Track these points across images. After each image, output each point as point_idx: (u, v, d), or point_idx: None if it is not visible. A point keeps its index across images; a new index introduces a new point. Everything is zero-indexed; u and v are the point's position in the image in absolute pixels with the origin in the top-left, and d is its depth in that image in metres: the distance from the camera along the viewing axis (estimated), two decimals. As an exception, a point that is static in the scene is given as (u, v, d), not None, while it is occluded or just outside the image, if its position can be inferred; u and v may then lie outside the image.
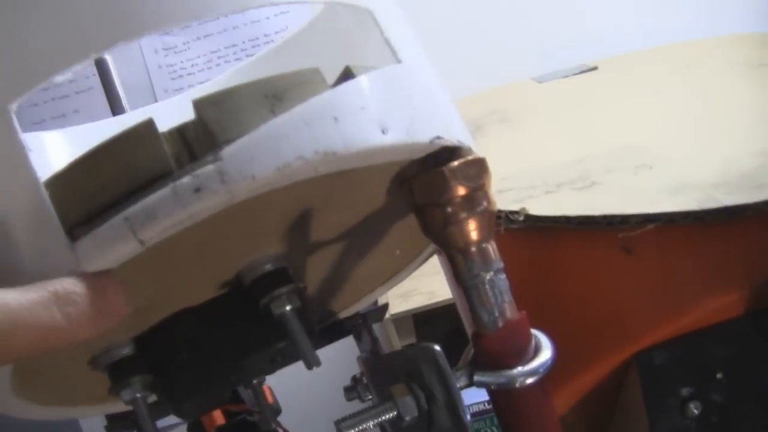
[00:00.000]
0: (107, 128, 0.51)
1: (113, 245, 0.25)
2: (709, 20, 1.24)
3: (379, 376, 0.34)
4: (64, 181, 0.26)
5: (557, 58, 0.95)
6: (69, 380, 0.36)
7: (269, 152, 0.26)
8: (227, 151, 0.25)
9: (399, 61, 0.31)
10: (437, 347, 0.29)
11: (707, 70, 0.67)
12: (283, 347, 0.34)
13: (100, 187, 0.26)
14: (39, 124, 1.04)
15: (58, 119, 1.02)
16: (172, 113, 0.54)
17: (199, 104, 0.27)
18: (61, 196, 0.25)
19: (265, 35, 1.07)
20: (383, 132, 0.28)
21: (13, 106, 0.26)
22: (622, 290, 0.38)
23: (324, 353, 0.38)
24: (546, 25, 1.30)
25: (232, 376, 0.35)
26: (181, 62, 1.03)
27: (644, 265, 0.36)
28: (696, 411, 0.40)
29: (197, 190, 0.25)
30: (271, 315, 0.33)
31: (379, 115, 0.28)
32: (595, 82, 0.75)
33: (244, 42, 1.07)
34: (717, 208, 0.33)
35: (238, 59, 1.05)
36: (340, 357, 0.61)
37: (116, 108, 0.60)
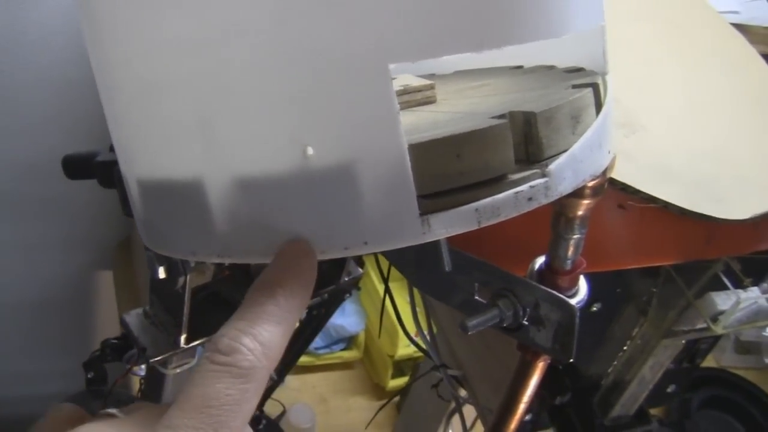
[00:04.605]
0: None
1: (459, 226, 0.29)
2: None
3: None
4: (423, 154, 0.28)
5: None
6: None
7: (571, 174, 0.32)
8: (552, 168, 0.31)
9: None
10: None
11: None
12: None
13: (456, 172, 0.29)
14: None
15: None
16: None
17: (533, 118, 0.31)
18: (418, 166, 0.28)
19: None
20: (608, 152, 0.35)
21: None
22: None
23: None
24: None
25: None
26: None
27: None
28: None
29: (530, 199, 0.30)
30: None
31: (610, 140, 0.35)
32: None
33: None
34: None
35: None
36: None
37: None
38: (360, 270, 0.57)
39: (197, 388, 0.27)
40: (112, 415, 0.31)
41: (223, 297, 0.55)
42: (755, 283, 0.56)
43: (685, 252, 0.50)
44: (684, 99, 0.59)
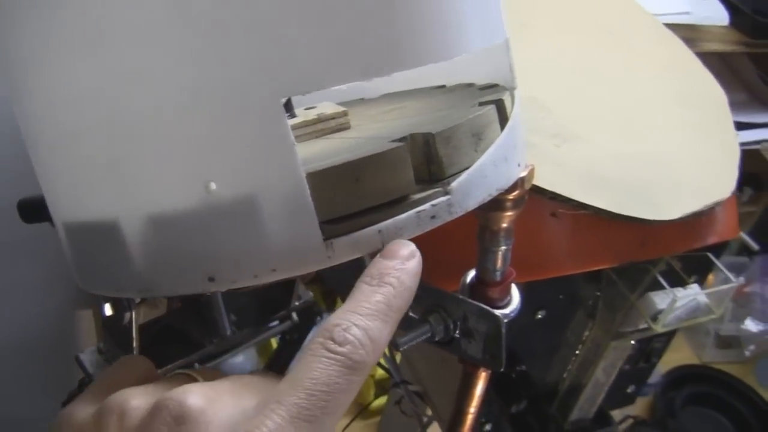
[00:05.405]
0: None
1: (363, 248, 0.30)
2: None
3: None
4: (322, 181, 0.30)
5: None
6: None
7: (476, 189, 0.33)
8: (454, 185, 0.32)
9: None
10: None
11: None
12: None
13: (356, 197, 0.30)
14: None
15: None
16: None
17: (432, 139, 0.32)
18: (319, 193, 0.29)
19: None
20: (518, 165, 0.37)
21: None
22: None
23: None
24: None
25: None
26: None
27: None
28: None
29: (433, 217, 0.32)
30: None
31: (520, 153, 0.37)
32: None
33: None
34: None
35: None
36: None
37: None
38: (310, 293, 0.58)
39: (309, 370, 0.27)
40: (192, 377, 0.31)
41: (176, 329, 0.55)
42: (698, 281, 0.57)
43: (620, 255, 0.52)
44: (617, 105, 0.60)
